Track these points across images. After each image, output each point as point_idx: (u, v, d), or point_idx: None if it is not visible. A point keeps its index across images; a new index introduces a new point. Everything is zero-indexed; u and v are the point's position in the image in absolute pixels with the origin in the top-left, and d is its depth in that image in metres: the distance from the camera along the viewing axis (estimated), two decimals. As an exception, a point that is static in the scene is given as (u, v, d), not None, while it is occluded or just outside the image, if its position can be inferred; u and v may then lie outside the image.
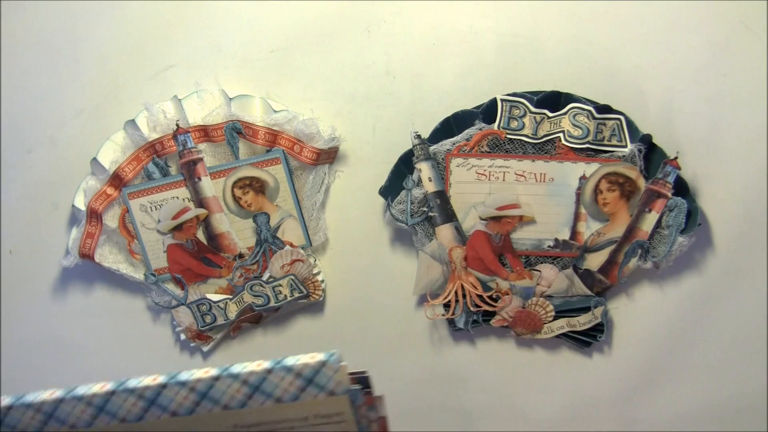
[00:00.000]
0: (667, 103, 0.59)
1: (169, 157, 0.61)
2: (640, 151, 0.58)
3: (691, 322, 0.58)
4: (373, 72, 0.61)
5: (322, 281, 0.63)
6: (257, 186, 0.61)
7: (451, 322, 0.63)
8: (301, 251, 0.62)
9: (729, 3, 0.58)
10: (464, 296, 0.61)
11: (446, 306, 0.62)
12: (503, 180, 0.60)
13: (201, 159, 0.61)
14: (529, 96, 0.58)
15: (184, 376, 0.36)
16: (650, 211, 0.58)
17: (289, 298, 0.63)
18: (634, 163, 0.58)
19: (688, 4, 0.58)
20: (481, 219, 0.60)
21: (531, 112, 0.58)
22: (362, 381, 0.37)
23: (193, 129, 0.60)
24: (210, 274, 0.63)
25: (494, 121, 0.59)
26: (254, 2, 0.61)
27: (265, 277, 0.63)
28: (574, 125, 0.58)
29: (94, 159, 0.61)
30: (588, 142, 0.58)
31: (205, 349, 0.65)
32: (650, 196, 0.58)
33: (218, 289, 0.63)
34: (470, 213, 0.60)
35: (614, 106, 0.58)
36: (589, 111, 0.58)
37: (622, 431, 0.63)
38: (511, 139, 0.59)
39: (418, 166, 0.60)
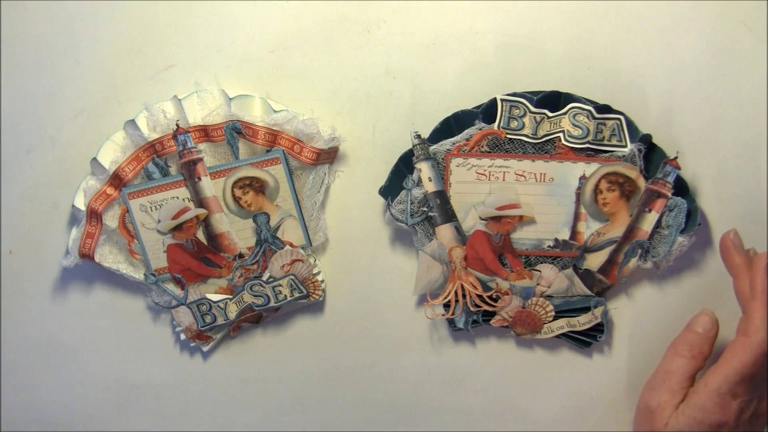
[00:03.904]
0: (667, 103, 0.59)
1: (169, 157, 0.61)
2: (640, 150, 0.58)
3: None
4: (373, 72, 0.61)
5: (322, 281, 0.63)
6: (257, 186, 0.61)
7: (451, 322, 0.63)
8: (301, 251, 0.62)
9: (729, 3, 0.58)
10: (464, 296, 0.61)
11: (446, 306, 0.62)
12: (503, 180, 0.60)
13: (201, 159, 0.61)
14: (529, 96, 0.58)
15: None
16: (650, 211, 0.58)
17: (289, 298, 0.63)
18: (634, 163, 0.58)
19: (688, 4, 0.58)
20: (481, 219, 0.60)
21: (531, 112, 0.59)
22: None
23: (193, 129, 0.61)
24: (210, 274, 0.63)
25: (494, 121, 0.59)
26: (254, 2, 0.61)
27: (265, 277, 0.63)
28: (574, 125, 0.58)
29: (94, 159, 0.61)
30: (588, 142, 0.58)
31: (205, 349, 0.65)
32: (650, 196, 0.58)
33: (218, 289, 0.63)
34: (470, 213, 0.61)
35: (614, 106, 0.58)
36: (589, 111, 0.58)
37: (622, 431, 0.64)
38: (511, 139, 0.59)
39: (418, 166, 0.60)
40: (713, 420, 0.52)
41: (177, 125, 0.60)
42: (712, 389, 0.52)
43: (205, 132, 0.61)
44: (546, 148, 0.59)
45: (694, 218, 0.58)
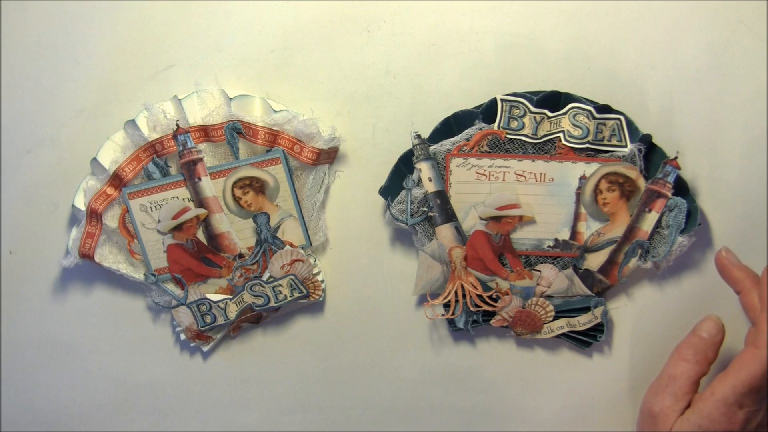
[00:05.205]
0: (667, 103, 0.59)
1: (169, 157, 0.61)
2: (640, 151, 0.58)
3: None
4: (373, 72, 0.61)
5: (322, 281, 0.63)
6: (257, 186, 0.61)
7: (451, 322, 0.63)
8: (301, 251, 0.62)
9: (729, 3, 0.58)
10: (464, 296, 0.61)
11: (446, 306, 0.62)
12: (503, 180, 0.60)
13: (201, 159, 0.61)
14: (529, 96, 0.58)
15: None
16: (650, 211, 0.58)
17: (289, 298, 0.63)
18: (634, 163, 0.58)
19: (688, 4, 0.58)
20: (481, 219, 0.60)
21: (531, 112, 0.59)
22: None
23: (193, 129, 0.61)
24: (210, 274, 0.63)
25: (494, 121, 0.59)
26: (254, 2, 0.61)
27: (265, 277, 0.63)
28: (574, 125, 0.58)
29: (94, 159, 0.61)
30: (588, 142, 0.58)
31: (205, 349, 0.65)
32: (650, 196, 0.58)
33: (218, 289, 0.63)
34: (470, 213, 0.61)
35: (614, 106, 0.58)
36: (589, 111, 0.58)
37: (622, 431, 0.64)
38: (511, 139, 0.59)
39: (418, 166, 0.60)
40: (719, 429, 0.52)
41: (177, 125, 0.60)
42: (718, 398, 0.52)
43: (205, 132, 0.61)
44: (546, 148, 0.59)
45: (694, 218, 0.58)
